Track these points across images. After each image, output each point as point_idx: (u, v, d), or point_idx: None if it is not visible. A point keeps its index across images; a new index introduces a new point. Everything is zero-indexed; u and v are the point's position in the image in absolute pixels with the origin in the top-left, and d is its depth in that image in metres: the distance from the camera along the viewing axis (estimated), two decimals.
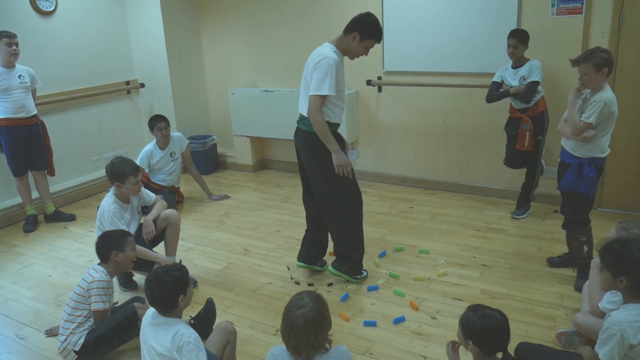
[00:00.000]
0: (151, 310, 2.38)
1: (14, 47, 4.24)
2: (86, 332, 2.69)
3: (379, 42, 3.17)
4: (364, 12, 3.13)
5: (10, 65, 4.27)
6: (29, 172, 4.59)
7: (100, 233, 3.27)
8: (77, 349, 2.67)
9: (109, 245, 2.82)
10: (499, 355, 1.94)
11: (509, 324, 1.93)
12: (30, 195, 4.65)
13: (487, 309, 1.95)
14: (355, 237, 3.41)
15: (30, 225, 4.60)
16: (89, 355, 2.71)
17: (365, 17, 3.10)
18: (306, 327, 1.90)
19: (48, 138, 4.64)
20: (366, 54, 3.20)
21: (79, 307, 2.70)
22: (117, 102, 5.74)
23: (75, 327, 2.68)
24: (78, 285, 2.74)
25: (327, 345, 2.00)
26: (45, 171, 4.67)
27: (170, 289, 2.27)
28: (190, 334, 2.26)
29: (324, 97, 3.04)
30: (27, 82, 4.36)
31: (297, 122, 3.27)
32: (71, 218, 4.79)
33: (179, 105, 5.87)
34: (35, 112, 4.47)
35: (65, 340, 2.67)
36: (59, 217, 4.77)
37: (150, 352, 2.27)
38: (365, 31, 3.07)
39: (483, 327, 1.89)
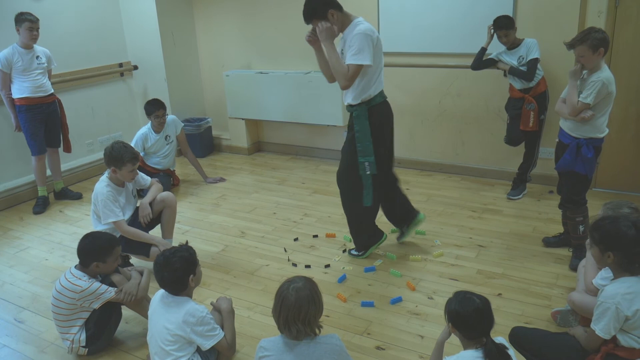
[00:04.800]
0: (161, 291, 2.39)
1: (35, 32, 4.30)
2: (83, 324, 2.64)
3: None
4: None
5: (28, 47, 4.34)
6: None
7: (95, 218, 3.27)
8: (83, 344, 2.64)
9: (91, 256, 2.61)
10: (483, 340, 1.91)
11: (490, 309, 1.91)
12: (45, 175, 4.68)
13: (468, 294, 1.94)
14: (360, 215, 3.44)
15: (40, 207, 4.62)
16: (98, 342, 2.68)
17: None
18: (297, 300, 1.93)
19: (64, 115, 4.71)
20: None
21: (74, 316, 2.61)
22: (110, 84, 5.68)
23: (80, 328, 2.64)
24: (61, 294, 2.57)
25: (317, 330, 2.00)
26: (59, 148, 4.73)
27: (179, 270, 2.30)
28: (202, 309, 2.31)
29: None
30: (44, 64, 4.46)
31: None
32: (78, 196, 4.85)
33: (173, 87, 5.81)
34: (52, 90, 4.55)
35: (72, 342, 2.63)
36: (66, 195, 4.84)
37: (163, 333, 2.28)
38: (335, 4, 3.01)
39: (459, 312, 1.91)
